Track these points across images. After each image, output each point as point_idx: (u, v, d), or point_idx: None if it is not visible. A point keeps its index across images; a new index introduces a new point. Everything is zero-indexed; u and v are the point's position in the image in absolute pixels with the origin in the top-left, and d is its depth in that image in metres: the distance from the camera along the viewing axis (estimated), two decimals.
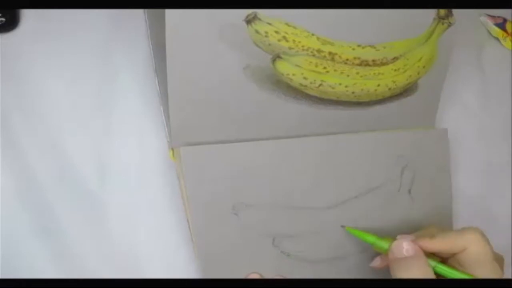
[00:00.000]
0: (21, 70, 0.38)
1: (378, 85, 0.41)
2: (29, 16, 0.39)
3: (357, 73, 0.40)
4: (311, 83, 0.39)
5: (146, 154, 0.40)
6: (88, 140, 0.39)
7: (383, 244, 0.37)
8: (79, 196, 0.38)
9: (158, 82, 0.40)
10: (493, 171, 0.51)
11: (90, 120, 0.39)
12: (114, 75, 0.40)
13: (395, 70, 0.42)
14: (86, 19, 0.40)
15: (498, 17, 0.53)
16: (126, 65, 0.40)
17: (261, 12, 0.35)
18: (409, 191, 0.44)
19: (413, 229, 0.44)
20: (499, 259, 0.36)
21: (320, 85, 0.39)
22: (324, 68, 0.39)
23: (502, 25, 0.53)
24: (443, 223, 0.46)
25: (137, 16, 0.41)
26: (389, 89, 0.42)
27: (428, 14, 0.41)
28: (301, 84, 0.39)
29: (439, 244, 0.35)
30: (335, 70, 0.39)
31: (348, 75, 0.40)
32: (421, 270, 0.34)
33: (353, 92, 0.41)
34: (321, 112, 0.41)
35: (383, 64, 0.41)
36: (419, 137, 0.45)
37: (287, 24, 0.36)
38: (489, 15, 0.53)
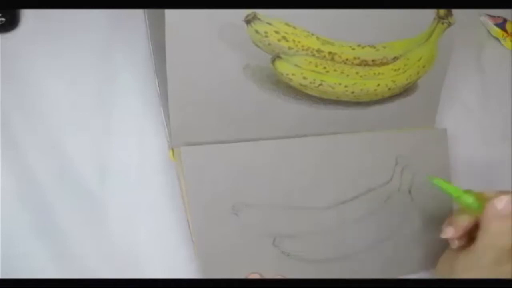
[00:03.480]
0: (21, 70, 0.38)
1: (378, 85, 0.41)
2: (29, 16, 0.39)
3: (357, 73, 0.40)
4: (310, 83, 0.39)
5: (146, 154, 0.40)
6: (88, 140, 0.39)
7: (468, 199, 0.37)
8: (79, 196, 0.38)
9: (158, 82, 0.40)
10: (493, 171, 0.51)
11: (90, 120, 0.39)
12: (114, 75, 0.40)
13: (395, 70, 0.42)
14: (86, 19, 0.40)
15: (498, 17, 0.53)
16: (126, 65, 0.40)
17: (261, 12, 0.35)
18: (409, 191, 0.44)
19: (413, 229, 0.44)
20: None
21: (320, 85, 0.39)
22: (324, 68, 0.39)
23: (502, 25, 0.53)
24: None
25: (137, 16, 0.41)
26: (389, 89, 0.42)
27: (428, 14, 0.41)
28: (301, 84, 0.39)
29: None
30: (335, 70, 0.39)
31: (348, 75, 0.40)
32: None
33: (352, 92, 0.41)
34: (321, 112, 0.41)
35: (383, 64, 0.41)
36: (418, 137, 0.45)
37: (286, 24, 0.36)
38: (489, 15, 0.53)
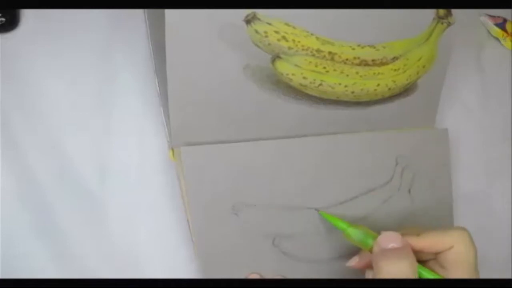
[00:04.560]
0: (21, 70, 0.38)
1: (378, 85, 0.41)
2: (29, 16, 0.39)
3: (357, 73, 0.40)
4: (310, 83, 0.39)
5: (146, 154, 0.40)
6: (88, 140, 0.39)
7: (353, 232, 0.35)
8: (79, 196, 0.38)
9: (158, 82, 0.40)
10: (493, 171, 0.51)
11: (90, 120, 0.39)
12: (114, 75, 0.40)
13: (395, 70, 0.42)
14: (86, 19, 0.40)
15: (498, 17, 0.53)
16: (126, 65, 0.40)
17: (261, 12, 0.35)
18: (409, 191, 0.44)
19: None
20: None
21: (320, 85, 0.39)
22: (324, 68, 0.39)
23: (502, 25, 0.53)
24: (443, 223, 0.46)
25: (137, 16, 0.41)
26: (389, 89, 0.42)
27: (427, 14, 0.41)
28: (300, 84, 0.39)
29: (426, 241, 0.34)
30: (334, 70, 0.39)
31: (347, 75, 0.40)
32: (408, 262, 0.32)
33: (352, 92, 0.41)
34: (321, 112, 0.41)
35: (382, 64, 0.41)
36: (419, 137, 0.45)
37: (286, 24, 0.36)
38: (489, 15, 0.53)
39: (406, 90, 0.43)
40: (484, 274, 0.49)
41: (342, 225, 0.37)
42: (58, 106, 0.39)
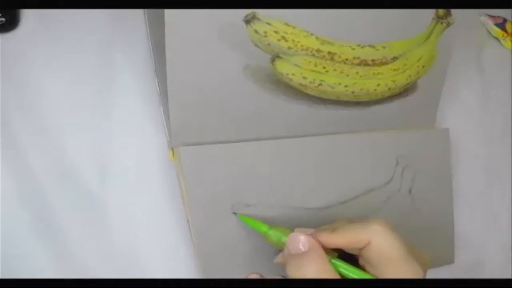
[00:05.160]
0: (21, 70, 0.38)
1: (378, 84, 0.41)
2: (29, 16, 0.39)
3: (357, 72, 0.40)
4: (310, 82, 0.39)
5: (146, 154, 0.40)
6: (88, 140, 0.39)
7: (274, 234, 0.34)
8: (79, 196, 0.38)
9: (158, 82, 0.40)
10: (493, 171, 0.51)
11: (90, 120, 0.39)
12: (114, 75, 0.40)
13: (395, 70, 0.42)
14: (86, 19, 0.40)
15: (498, 17, 0.53)
16: (126, 65, 0.40)
17: (260, 12, 0.35)
18: (410, 191, 0.44)
19: (414, 229, 0.44)
20: (422, 259, 0.32)
21: (320, 84, 0.39)
22: (324, 67, 0.39)
23: (502, 25, 0.53)
24: (444, 222, 0.46)
25: (137, 16, 0.41)
26: (389, 88, 0.42)
27: (427, 14, 0.41)
28: (300, 84, 0.39)
29: (340, 237, 0.32)
30: (334, 70, 0.39)
31: (347, 75, 0.40)
32: (317, 267, 0.30)
33: (352, 92, 0.41)
34: (321, 112, 0.41)
35: (382, 64, 0.41)
36: (420, 137, 0.45)
37: (286, 24, 0.36)
38: (489, 15, 0.53)
39: (406, 90, 0.43)
40: (484, 274, 0.49)
41: (262, 228, 0.35)
42: (58, 106, 0.39)
